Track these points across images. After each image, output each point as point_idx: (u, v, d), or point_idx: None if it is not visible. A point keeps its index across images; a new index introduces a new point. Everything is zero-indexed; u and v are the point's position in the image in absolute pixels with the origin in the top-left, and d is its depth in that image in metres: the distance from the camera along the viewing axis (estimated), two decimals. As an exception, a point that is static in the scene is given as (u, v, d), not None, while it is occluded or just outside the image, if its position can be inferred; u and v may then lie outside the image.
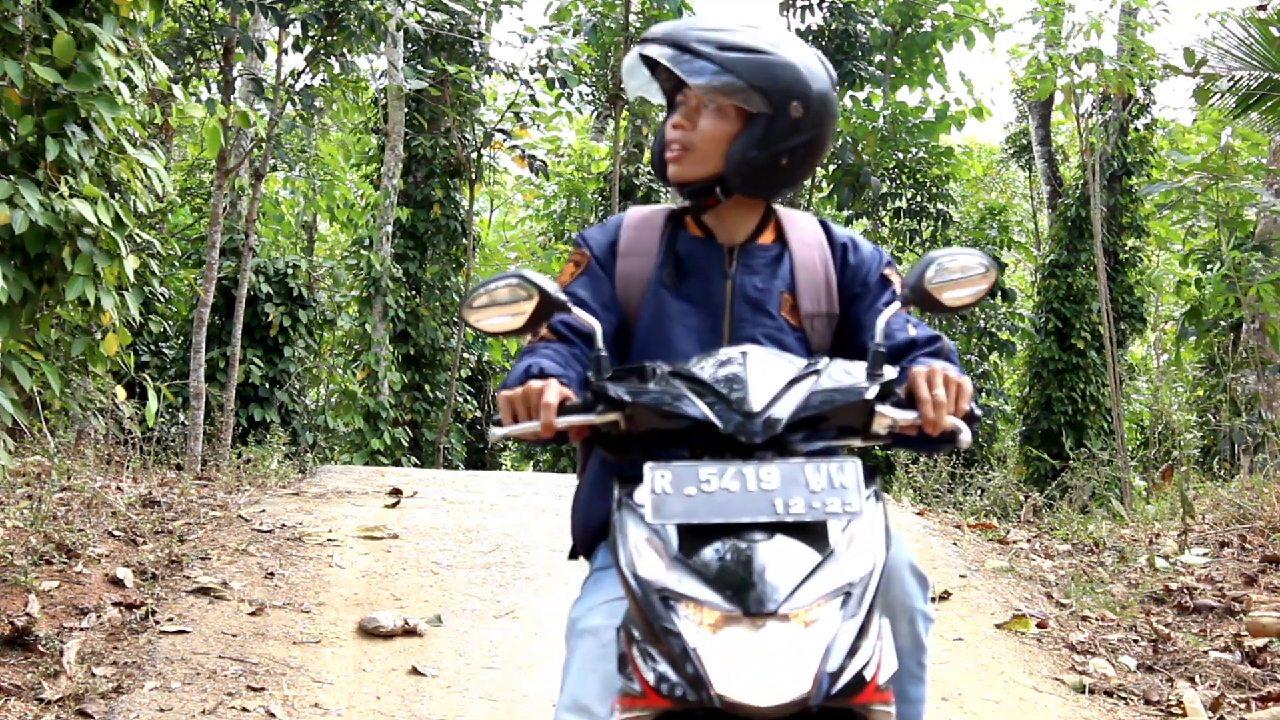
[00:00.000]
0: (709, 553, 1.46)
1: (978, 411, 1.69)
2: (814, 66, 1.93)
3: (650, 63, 2.01)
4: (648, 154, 16.81)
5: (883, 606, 1.78)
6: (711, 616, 1.40)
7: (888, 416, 1.63)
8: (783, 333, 1.96)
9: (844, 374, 1.62)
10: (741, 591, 1.41)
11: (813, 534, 1.49)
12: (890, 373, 1.64)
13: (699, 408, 1.57)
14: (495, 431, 1.68)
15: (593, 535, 1.99)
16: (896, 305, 1.76)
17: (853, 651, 1.41)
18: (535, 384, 1.66)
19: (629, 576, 1.48)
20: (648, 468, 1.52)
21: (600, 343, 1.70)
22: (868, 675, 1.42)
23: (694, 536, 1.49)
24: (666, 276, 1.99)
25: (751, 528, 1.47)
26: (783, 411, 1.56)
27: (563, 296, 1.73)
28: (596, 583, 1.87)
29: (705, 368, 1.63)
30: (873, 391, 1.60)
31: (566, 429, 1.65)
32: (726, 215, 2.01)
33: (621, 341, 2.00)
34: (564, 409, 1.65)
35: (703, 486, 1.50)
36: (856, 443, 1.68)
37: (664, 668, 1.41)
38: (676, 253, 2.01)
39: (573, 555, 2.10)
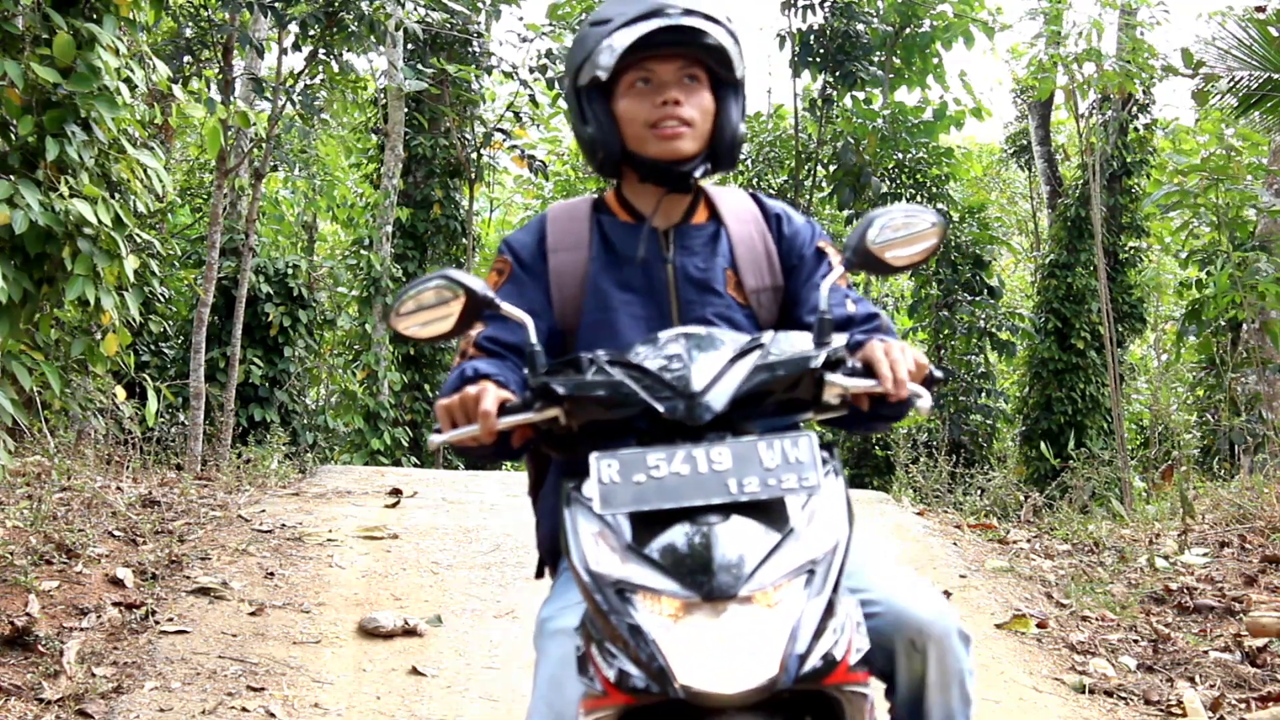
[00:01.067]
0: (663, 540, 1.41)
1: (938, 374, 1.64)
2: None
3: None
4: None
5: (939, 676, 1.71)
6: (670, 605, 1.36)
7: (838, 385, 1.56)
8: (731, 310, 1.90)
9: (789, 345, 1.57)
10: (699, 577, 1.36)
11: (771, 513, 1.43)
12: (839, 340, 1.59)
13: (638, 394, 1.51)
14: (434, 439, 1.63)
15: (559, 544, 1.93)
16: (839, 270, 1.71)
17: (820, 632, 1.36)
18: (471, 389, 1.61)
19: (582, 572, 1.43)
20: (593, 458, 1.47)
21: (533, 336, 1.63)
22: (838, 655, 1.37)
23: (647, 525, 1.43)
24: (605, 243, 1.91)
25: (706, 511, 1.42)
26: (726, 389, 1.50)
27: (490, 294, 1.67)
28: (568, 582, 1.79)
29: (644, 353, 1.57)
30: (819, 360, 1.54)
31: (508, 429, 1.60)
32: (657, 198, 1.93)
33: (558, 346, 1.92)
34: (503, 410, 1.59)
35: (652, 473, 1.44)
36: (809, 416, 1.63)
37: (624, 663, 1.36)
38: (609, 241, 1.93)
39: (539, 574, 2.03)
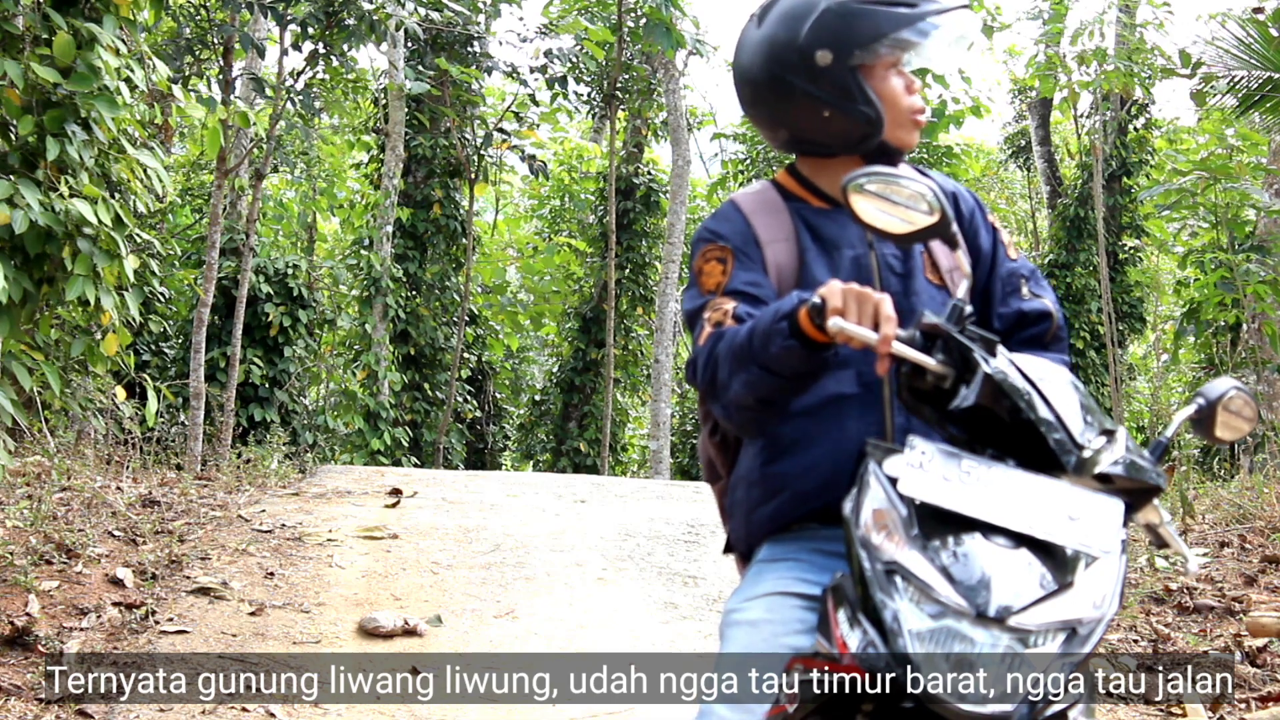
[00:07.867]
0: (949, 542, 1.42)
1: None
2: None
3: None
4: (648, 152, 16.71)
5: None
6: (936, 606, 1.37)
7: (1159, 516, 1.59)
8: (932, 299, 1.80)
9: (1141, 454, 1.55)
10: (973, 590, 1.37)
11: (1057, 559, 1.43)
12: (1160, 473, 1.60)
13: (1053, 431, 1.47)
14: (836, 322, 1.46)
15: (757, 535, 1.84)
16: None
17: (1063, 688, 1.36)
18: (870, 291, 1.49)
19: (857, 539, 1.44)
20: (912, 439, 1.47)
21: (963, 291, 1.58)
22: (1069, 716, 1.38)
23: (935, 522, 1.44)
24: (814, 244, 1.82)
25: (997, 531, 1.42)
26: (1105, 461, 1.48)
27: (959, 234, 1.59)
28: (758, 575, 1.78)
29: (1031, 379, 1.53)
30: (1162, 482, 1.55)
31: (900, 357, 1.49)
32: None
33: None
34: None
35: (963, 476, 1.45)
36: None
37: (874, 636, 1.37)
38: (815, 229, 1.83)
39: (728, 550, 1.97)
